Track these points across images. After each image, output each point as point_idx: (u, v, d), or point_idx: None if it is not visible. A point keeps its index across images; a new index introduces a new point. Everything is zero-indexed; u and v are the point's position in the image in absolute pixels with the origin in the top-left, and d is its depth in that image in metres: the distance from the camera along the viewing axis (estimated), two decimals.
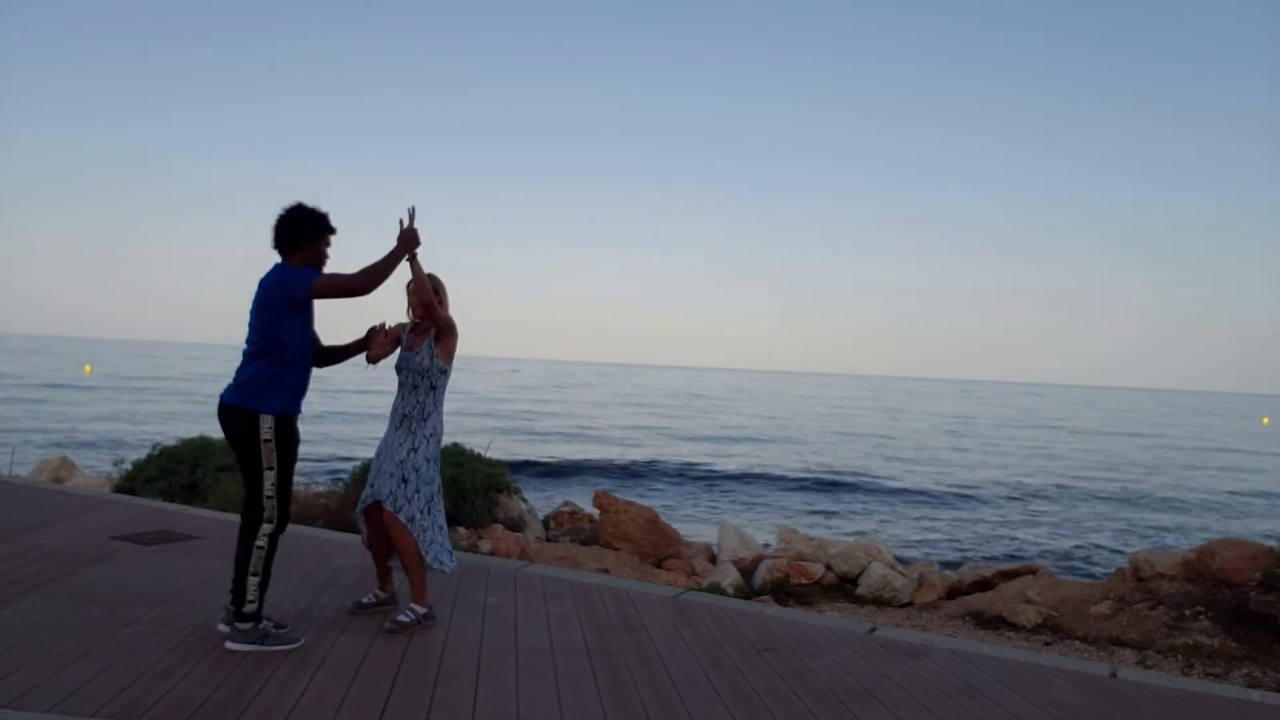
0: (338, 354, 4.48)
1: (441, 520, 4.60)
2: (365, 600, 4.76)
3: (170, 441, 9.95)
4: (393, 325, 4.52)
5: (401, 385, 4.55)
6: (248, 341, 4.05)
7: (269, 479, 4.03)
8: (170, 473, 9.14)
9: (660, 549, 9.62)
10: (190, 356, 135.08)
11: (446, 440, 10.27)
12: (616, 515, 9.69)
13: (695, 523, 17.65)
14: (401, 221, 4.20)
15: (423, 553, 4.45)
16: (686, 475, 26.48)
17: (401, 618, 4.48)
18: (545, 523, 11.51)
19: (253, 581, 4.02)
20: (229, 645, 4.04)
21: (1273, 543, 7.97)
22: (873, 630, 5.12)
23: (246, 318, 4.07)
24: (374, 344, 4.43)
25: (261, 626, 4.09)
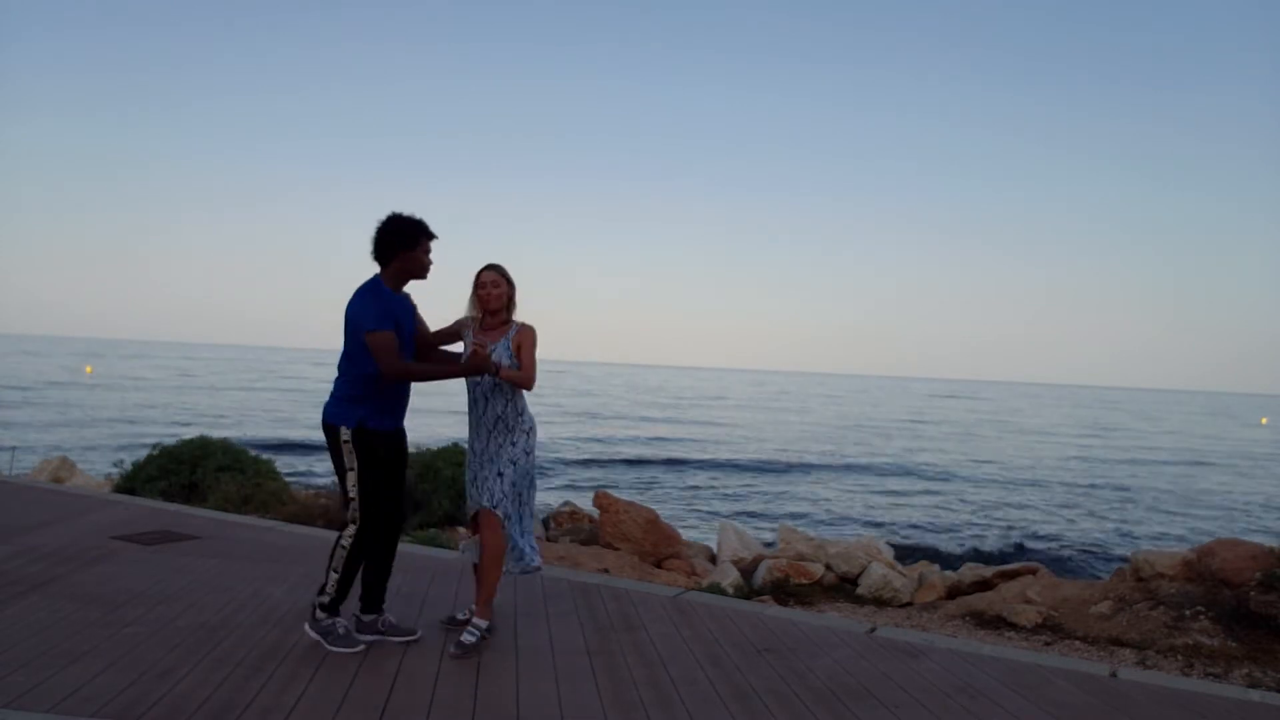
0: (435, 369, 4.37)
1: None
2: (460, 615, 4.61)
3: (170, 441, 9.96)
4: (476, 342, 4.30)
5: (479, 386, 4.36)
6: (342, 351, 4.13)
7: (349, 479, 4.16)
8: (170, 473, 9.14)
9: (660, 549, 9.62)
10: (191, 357, 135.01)
11: (443, 440, 10.31)
12: (616, 515, 9.69)
13: (695, 523, 17.65)
14: (482, 351, 4.15)
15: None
16: (689, 475, 26.47)
17: (465, 638, 4.24)
18: (545, 523, 11.52)
19: (333, 577, 4.17)
20: (305, 626, 4.29)
21: (1273, 542, 7.97)
22: (873, 630, 5.12)
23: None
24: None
25: (330, 622, 4.20)
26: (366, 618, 4.35)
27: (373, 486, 4.15)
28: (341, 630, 4.18)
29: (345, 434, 4.08)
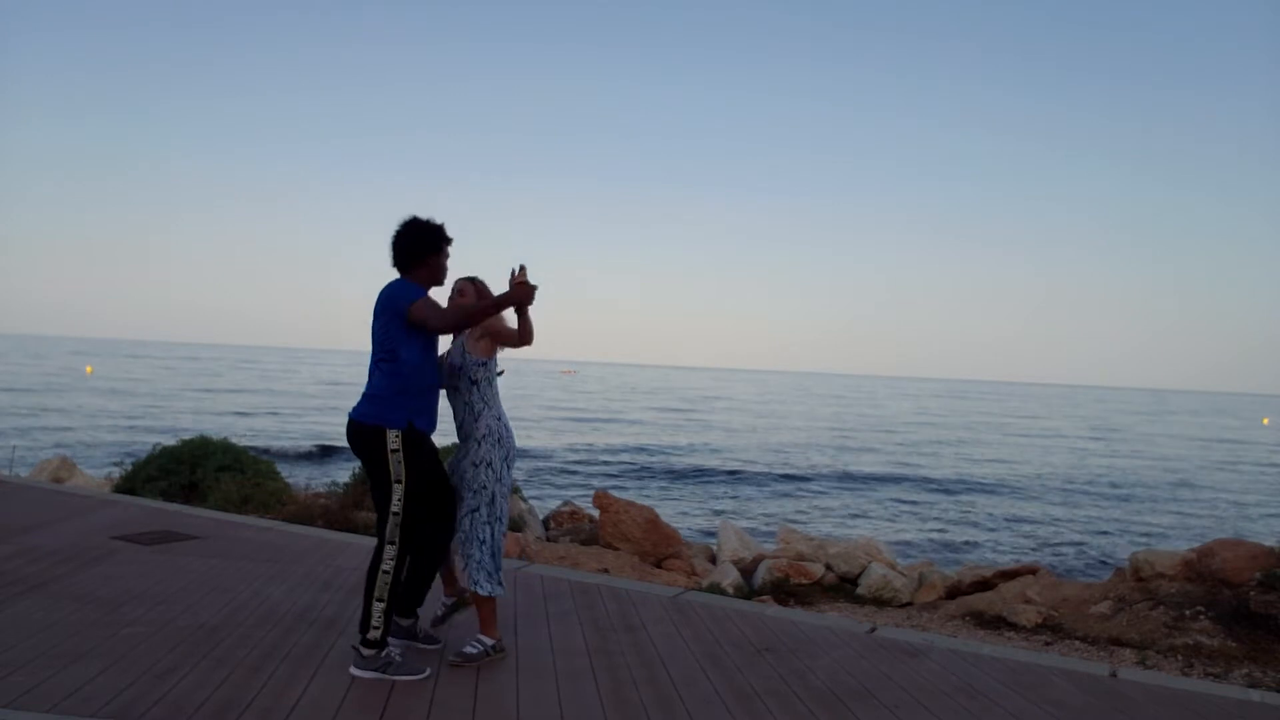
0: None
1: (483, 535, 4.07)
2: (438, 613, 4.38)
3: (170, 441, 9.96)
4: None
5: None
6: (371, 354, 3.83)
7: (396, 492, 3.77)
8: (170, 473, 9.14)
9: (660, 549, 9.62)
10: (191, 356, 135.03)
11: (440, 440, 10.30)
12: (616, 515, 9.69)
13: (695, 523, 17.65)
14: (514, 273, 3.80)
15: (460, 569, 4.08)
16: (688, 475, 26.47)
17: (468, 649, 4.05)
18: (545, 523, 11.52)
19: (378, 607, 3.77)
20: (352, 670, 3.81)
21: (1273, 543, 7.97)
22: (873, 630, 5.12)
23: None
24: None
25: (385, 654, 3.83)
26: (405, 622, 4.13)
27: (417, 503, 3.81)
28: (399, 658, 3.84)
29: (394, 440, 3.70)
